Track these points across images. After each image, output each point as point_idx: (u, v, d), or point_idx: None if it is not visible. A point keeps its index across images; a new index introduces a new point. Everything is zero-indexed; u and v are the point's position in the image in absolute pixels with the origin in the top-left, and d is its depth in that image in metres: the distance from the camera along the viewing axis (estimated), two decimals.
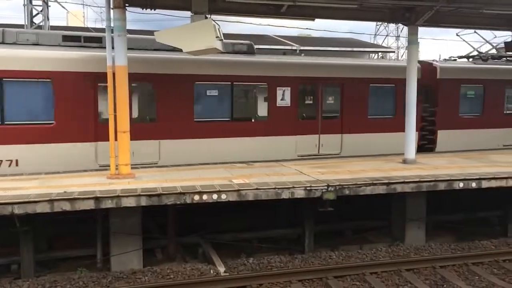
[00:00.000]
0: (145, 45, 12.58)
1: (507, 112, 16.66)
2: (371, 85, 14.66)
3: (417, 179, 10.77)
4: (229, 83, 13.13)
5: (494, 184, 11.17)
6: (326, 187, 10.00)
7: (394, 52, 39.59)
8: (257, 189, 9.64)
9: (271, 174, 11.04)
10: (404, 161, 12.90)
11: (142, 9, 11.06)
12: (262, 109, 13.58)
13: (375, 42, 41.60)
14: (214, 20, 10.34)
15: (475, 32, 17.38)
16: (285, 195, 9.80)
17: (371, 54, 27.88)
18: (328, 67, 14.45)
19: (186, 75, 12.56)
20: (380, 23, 41.26)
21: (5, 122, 11.09)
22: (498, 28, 14.97)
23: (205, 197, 9.32)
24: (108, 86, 10.47)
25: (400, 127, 13.42)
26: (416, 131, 13.40)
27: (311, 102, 14.12)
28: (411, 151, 12.90)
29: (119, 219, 9.47)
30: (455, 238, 12.22)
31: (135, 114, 12.11)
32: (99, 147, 11.72)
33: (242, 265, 9.83)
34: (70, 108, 11.50)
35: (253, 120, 13.55)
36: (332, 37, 25.09)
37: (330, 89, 14.25)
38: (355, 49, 25.13)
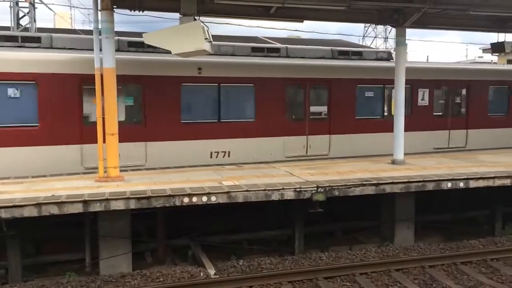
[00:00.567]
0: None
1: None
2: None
3: (406, 180, 10.84)
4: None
5: (481, 184, 11.29)
6: (315, 188, 10.02)
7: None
8: (247, 191, 9.63)
9: (261, 176, 11.04)
10: (393, 162, 12.98)
11: (130, 10, 11.01)
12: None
13: (364, 44, 41.85)
14: (202, 22, 10.33)
15: None
16: (275, 196, 9.80)
17: None
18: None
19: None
20: (369, 24, 41.58)
21: None
22: (485, 30, 15.11)
23: (194, 199, 9.29)
24: (96, 89, 10.39)
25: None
26: None
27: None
28: (399, 151, 12.98)
29: (108, 222, 9.40)
30: (443, 238, 12.32)
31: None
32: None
33: (232, 267, 9.81)
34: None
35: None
36: (321, 39, 25.17)
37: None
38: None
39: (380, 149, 14.60)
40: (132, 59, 12.22)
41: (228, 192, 9.50)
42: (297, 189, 9.94)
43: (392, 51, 14.88)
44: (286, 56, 14.51)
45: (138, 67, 12.21)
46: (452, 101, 16.31)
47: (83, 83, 11.49)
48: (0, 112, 11.04)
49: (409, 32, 19.38)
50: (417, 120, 15.32)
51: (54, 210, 8.57)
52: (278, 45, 15.05)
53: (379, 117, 15.05)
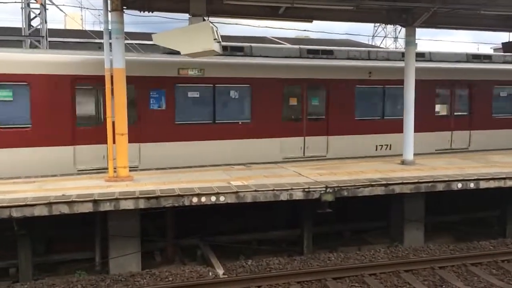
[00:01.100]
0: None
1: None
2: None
3: (416, 180, 10.78)
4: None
5: (492, 184, 11.19)
6: (324, 189, 10.00)
7: None
8: (255, 191, 9.63)
9: (270, 176, 11.04)
10: (403, 162, 12.91)
11: (140, 11, 11.08)
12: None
13: (373, 43, 41.70)
14: (212, 22, 10.36)
15: None
16: (284, 196, 9.80)
17: None
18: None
19: None
20: (378, 24, 41.40)
21: None
22: (495, 29, 14.98)
23: (203, 199, 9.32)
24: (106, 89, 10.46)
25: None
26: None
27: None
28: (409, 152, 12.91)
29: (118, 221, 9.46)
30: (453, 238, 12.23)
31: None
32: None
33: (240, 267, 9.82)
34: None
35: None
36: (330, 39, 25.16)
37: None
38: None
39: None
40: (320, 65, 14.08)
41: (236, 192, 9.51)
42: (306, 189, 9.92)
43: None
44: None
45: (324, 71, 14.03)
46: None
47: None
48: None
49: (420, 31, 19.23)
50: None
51: (65, 210, 8.65)
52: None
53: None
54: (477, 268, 9.83)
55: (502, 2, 12.05)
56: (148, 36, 12.40)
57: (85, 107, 11.86)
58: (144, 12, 11.06)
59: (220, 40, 10.63)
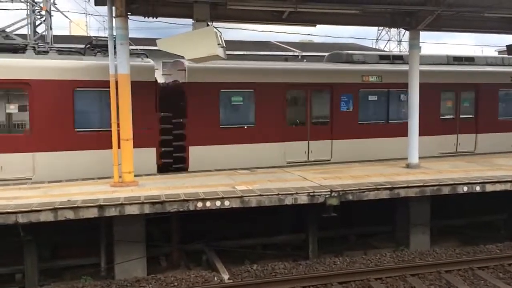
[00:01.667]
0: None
1: None
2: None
3: (421, 184, 10.74)
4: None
5: (498, 187, 11.13)
6: (329, 193, 9.98)
7: None
8: (260, 195, 9.63)
9: (274, 180, 11.03)
10: (408, 166, 12.87)
11: (144, 17, 11.14)
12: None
13: (377, 47, 41.66)
14: (215, 27, 10.40)
15: None
16: (288, 201, 9.79)
17: None
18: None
19: None
20: (382, 28, 41.34)
21: None
22: (500, 32, 14.95)
23: (208, 204, 9.32)
24: (110, 94, 10.49)
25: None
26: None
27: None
28: (414, 155, 12.87)
29: (123, 227, 9.48)
30: (459, 242, 12.15)
31: None
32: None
33: (246, 272, 9.80)
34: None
35: None
36: (334, 43, 25.15)
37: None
38: None
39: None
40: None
41: (241, 197, 9.51)
42: (311, 194, 9.90)
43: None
44: None
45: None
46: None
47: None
48: None
49: (424, 34, 19.24)
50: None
51: (70, 215, 8.67)
52: None
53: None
54: (483, 272, 9.76)
55: (505, 5, 12.03)
56: (152, 41, 12.47)
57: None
58: (148, 17, 11.12)
59: (224, 45, 10.65)
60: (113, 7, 10.37)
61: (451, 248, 11.41)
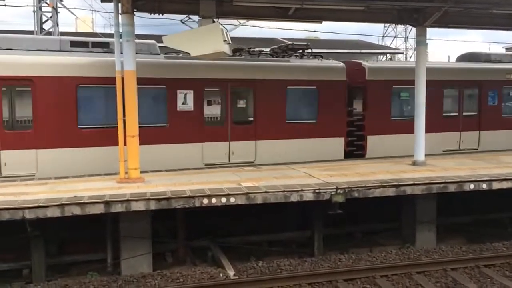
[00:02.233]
0: None
1: None
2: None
3: (427, 181, 10.70)
4: None
5: (505, 185, 11.07)
6: (335, 190, 9.97)
7: (402, 53, 39.46)
8: (265, 192, 9.63)
9: (280, 177, 11.03)
10: (414, 163, 12.82)
11: (150, 14, 11.13)
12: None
13: (383, 44, 41.48)
14: (221, 24, 10.38)
15: None
16: (294, 198, 9.78)
17: (379, 56, 27.79)
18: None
19: None
20: (388, 24, 41.17)
21: None
22: (508, 28, 14.82)
23: (214, 200, 9.33)
24: (117, 91, 10.51)
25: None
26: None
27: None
28: (420, 153, 12.82)
29: (129, 223, 9.52)
30: (466, 240, 12.11)
31: None
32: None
33: (251, 269, 9.82)
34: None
35: None
36: (340, 39, 25.09)
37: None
38: (363, 51, 25.06)
39: None
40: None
41: (246, 193, 9.52)
42: (316, 191, 9.90)
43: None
44: None
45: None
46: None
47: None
48: None
49: (431, 31, 19.11)
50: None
51: (77, 211, 8.72)
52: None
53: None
54: (490, 269, 9.73)
55: None
56: (158, 38, 12.48)
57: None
58: (154, 14, 11.11)
59: (230, 42, 10.64)
60: (119, 4, 10.38)
61: (457, 245, 11.38)
